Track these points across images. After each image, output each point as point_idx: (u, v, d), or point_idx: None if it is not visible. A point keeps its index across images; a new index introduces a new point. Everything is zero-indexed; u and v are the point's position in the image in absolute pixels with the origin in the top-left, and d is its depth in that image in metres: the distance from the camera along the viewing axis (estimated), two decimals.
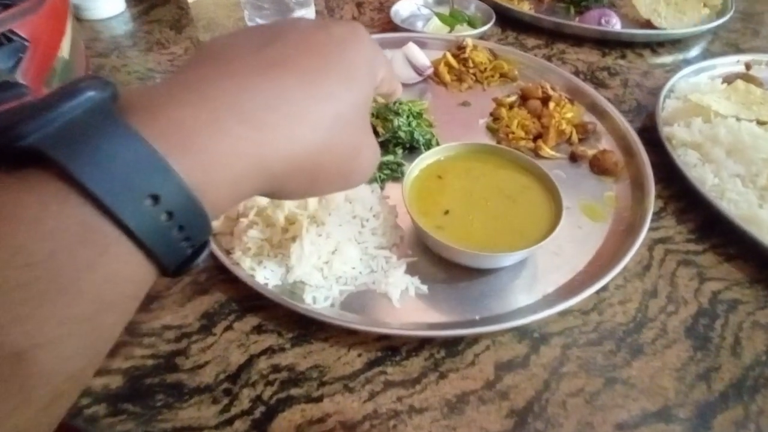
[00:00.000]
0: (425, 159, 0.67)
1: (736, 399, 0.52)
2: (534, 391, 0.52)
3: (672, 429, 0.49)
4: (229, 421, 0.49)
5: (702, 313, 0.59)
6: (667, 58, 1.06)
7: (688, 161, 0.73)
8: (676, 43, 1.09)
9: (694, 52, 1.10)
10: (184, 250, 0.26)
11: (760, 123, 0.76)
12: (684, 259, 0.65)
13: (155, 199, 0.23)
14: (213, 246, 0.61)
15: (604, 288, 0.61)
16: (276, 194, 0.33)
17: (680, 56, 1.07)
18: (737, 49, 1.10)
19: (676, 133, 0.76)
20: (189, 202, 0.25)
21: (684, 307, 0.60)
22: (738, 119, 0.76)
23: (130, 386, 0.52)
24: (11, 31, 0.69)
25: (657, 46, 1.08)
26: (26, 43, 0.70)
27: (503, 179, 0.66)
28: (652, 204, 0.67)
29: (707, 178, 0.70)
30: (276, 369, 0.54)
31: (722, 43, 1.12)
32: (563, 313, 0.58)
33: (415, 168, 0.65)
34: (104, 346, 0.25)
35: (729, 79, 0.91)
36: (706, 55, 1.07)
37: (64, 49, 0.83)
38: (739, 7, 1.25)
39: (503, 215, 0.61)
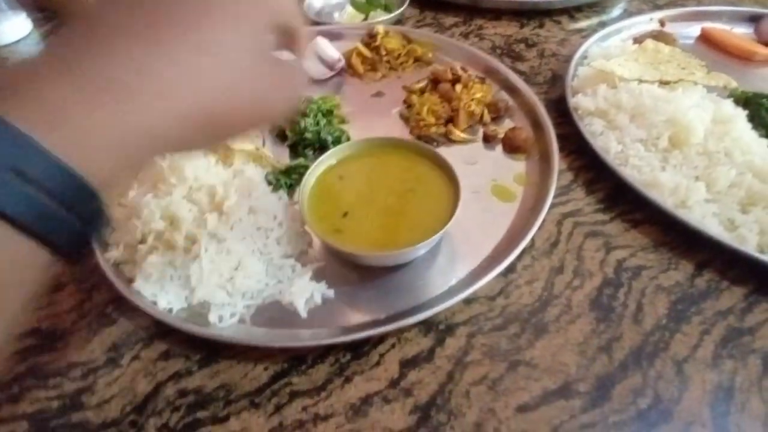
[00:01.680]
0: (324, 161, 0.66)
1: (635, 367, 0.53)
2: (437, 384, 0.52)
3: (572, 404, 0.50)
4: None
5: (606, 284, 0.60)
6: (584, 23, 1.05)
7: (594, 130, 0.73)
8: (594, 6, 1.09)
9: (614, 13, 1.09)
10: (70, 224, 0.26)
11: (662, 83, 0.76)
12: (591, 230, 0.66)
13: (21, 174, 0.23)
14: (113, 276, 0.60)
15: (511, 270, 0.61)
16: (176, 150, 0.32)
17: (597, 19, 1.06)
18: (654, 6, 1.10)
19: (581, 103, 0.76)
20: (59, 174, 0.25)
21: (589, 279, 0.60)
22: (640, 82, 0.76)
23: (36, 431, 0.51)
24: None
25: (575, 11, 1.08)
26: None
27: (403, 172, 0.65)
28: (554, 179, 0.67)
29: (611, 145, 0.70)
30: (183, 393, 0.53)
31: (640, 0, 1.12)
32: (469, 302, 0.58)
33: (313, 172, 0.65)
34: None
35: (640, 40, 0.91)
36: (624, 16, 1.07)
37: None
38: None
39: (402, 210, 0.61)
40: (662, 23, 0.99)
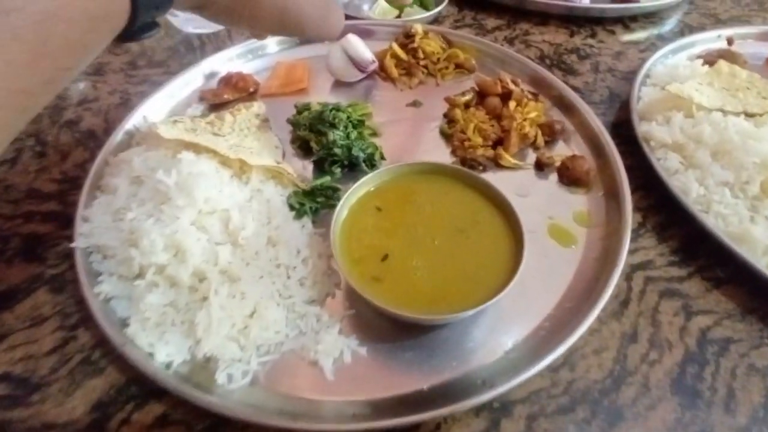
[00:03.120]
0: (358, 189, 0.56)
1: None
2: None
3: None
4: None
5: (689, 359, 0.51)
6: (640, 35, 0.95)
7: (668, 166, 0.64)
8: (650, 17, 0.98)
9: (670, 25, 0.99)
10: (152, 8, 0.34)
11: (748, 115, 0.66)
12: (667, 288, 0.56)
13: None
14: (101, 317, 0.50)
15: None
16: (210, 6, 0.42)
17: (655, 31, 0.96)
18: (716, 21, 0.99)
19: (654, 133, 0.66)
20: None
21: (669, 352, 0.51)
22: (724, 113, 0.66)
23: None
24: None
25: (629, 20, 0.97)
26: None
27: (452, 207, 0.55)
28: (629, 225, 0.57)
29: (691, 187, 0.60)
30: None
31: (700, 13, 1.02)
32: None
33: (347, 201, 0.55)
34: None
35: (710, 59, 0.81)
36: (683, 28, 0.97)
37: None
38: None
39: (453, 256, 0.51)
40: (730, 42, 0.89)
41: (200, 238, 0.52)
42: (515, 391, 0.48)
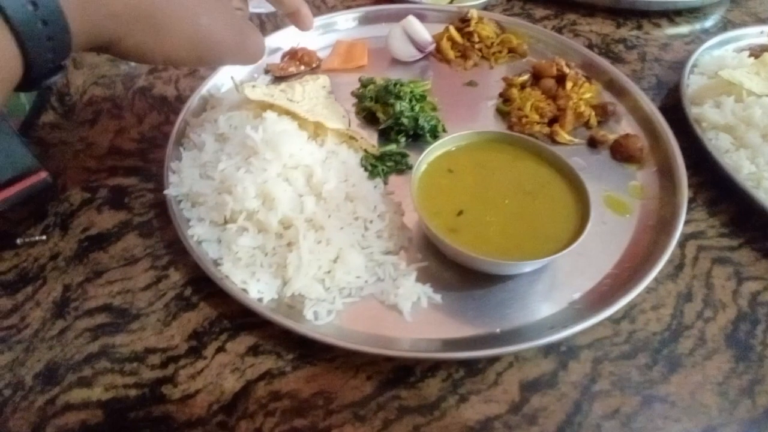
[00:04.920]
0: (434, 150, 0.60)
1: None
2: (564, 413, 0.46)
3: None
4: None
5: (742, 318, 0.54)
6: (684, 28, 0.98)
7: (720, 146, 0.67)
8: (694, 12, 1.01)
9: (712, 21, 1.02)
10: (49, 59, 0.34)
11: None
12: (719, 256, 0.59)
13: (35, 5, 0.32)
14: (198, 256, 0.54)
15: None
16: (114, 46, 0.39)
17: (698, 26, 0.99)
18: (757, 19, 1.02)
19: (706, 115, 0.70)
20: (59, 18, 0.33)
21: (722, 311, 0.54)
22: None
23: (112, 422, 0.46)
24: None
25: (674, 15, 1.00)
26: None
27: (521, 172, 0.59)
28: (685, 197, 0.61)
29: (743, 164, 0.64)
30: (276, 396, 0.48)
31: (741, 11, 1.04)
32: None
33: (423, 161, 0.59)
34: None
35: (755, 52, 0.84)
36: (726, 24, 1.00)
37: None
38: None
39: (523, 215, 0.55)
40: None
41: (286, 189, 0.56)
42: (580, 337, 0.52)
